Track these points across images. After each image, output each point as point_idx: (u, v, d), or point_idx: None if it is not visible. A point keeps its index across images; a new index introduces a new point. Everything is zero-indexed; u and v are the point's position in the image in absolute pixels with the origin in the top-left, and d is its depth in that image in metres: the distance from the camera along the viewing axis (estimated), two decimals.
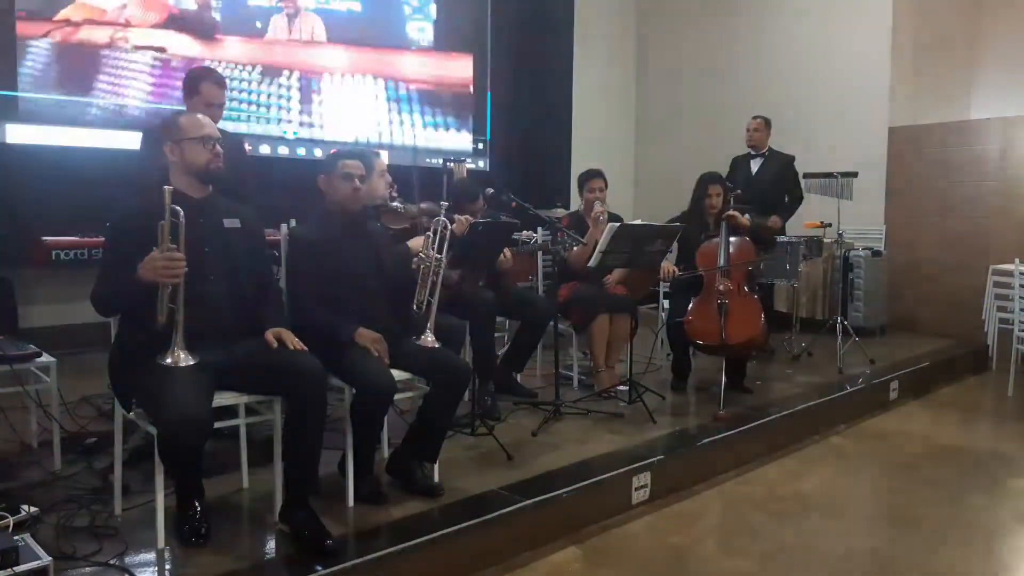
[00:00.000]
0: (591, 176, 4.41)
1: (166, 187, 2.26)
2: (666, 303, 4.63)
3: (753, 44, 7.48)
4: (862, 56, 6.73)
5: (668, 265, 4.26)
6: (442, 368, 2.76)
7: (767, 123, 5.63)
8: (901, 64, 6.68)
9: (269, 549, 2.40)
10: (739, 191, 4.62)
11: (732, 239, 4.23)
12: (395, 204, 3.44)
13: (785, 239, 5.34)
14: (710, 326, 3.98)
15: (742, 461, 3.65)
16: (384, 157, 5.97)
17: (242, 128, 5.60)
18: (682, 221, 4.35)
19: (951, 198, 6.41)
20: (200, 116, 2.57)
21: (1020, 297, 4.94)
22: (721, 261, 4.14)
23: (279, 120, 5.88)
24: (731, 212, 4.26)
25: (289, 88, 5.90)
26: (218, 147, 2.49)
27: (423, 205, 3.28)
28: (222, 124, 3.20)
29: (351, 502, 2.67)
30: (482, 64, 7.16)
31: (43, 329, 4.62)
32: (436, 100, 6.78)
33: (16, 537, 2.11)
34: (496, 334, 4.13)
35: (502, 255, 3.94)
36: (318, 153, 5.98)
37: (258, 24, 5.74)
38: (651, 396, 4.11)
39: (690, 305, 4.16)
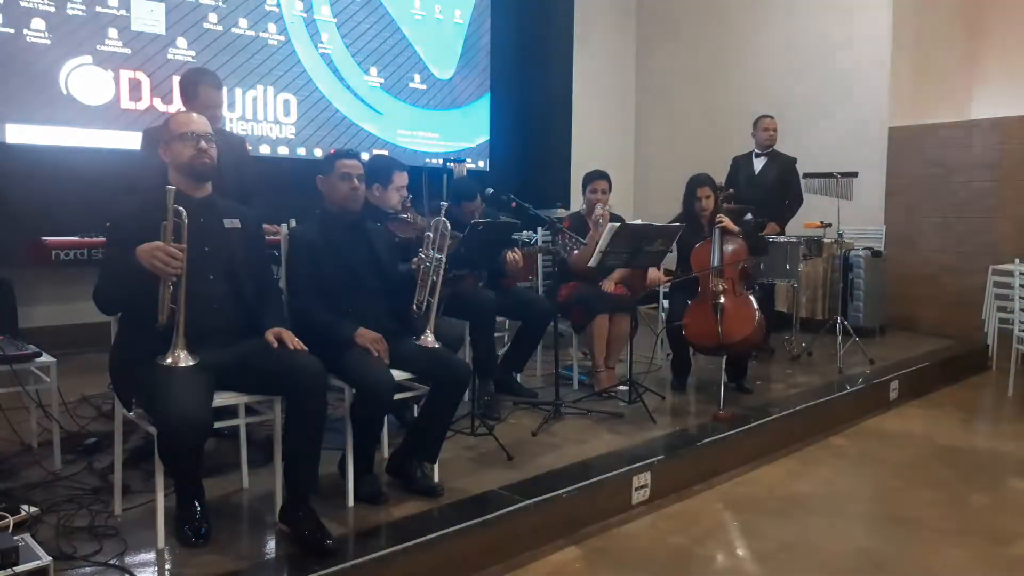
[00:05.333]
0: (595, 177, 4.41)
1: (169, 187, 2.27)
2: (666, 303, 4.64)
3: (753, 44, 7.48)
4: (862, 56, 6.73)
5: (656, 272, 4.26)
6: (442, 368, 2.76)
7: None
8: (901, 64, 6.68)
9: (269, 549, 2.40)
10: (731, 190, 4.62)
11: (726, 239, 4.24)
12: (405, 215, 3.48)
13: (785, 239, 5.35)
14: (706, 327, 4.00)
15: (742, 461, 3.65)
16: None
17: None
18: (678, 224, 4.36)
19: (951, 198, 6.41)
20: (189, 114, 2.57)
21: (1020, 297, 4.94)
22: (715, 262, 4.15)
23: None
24: (721, 220, 4.24)
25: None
26: (203, 143, 2.47)
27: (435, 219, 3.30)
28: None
29: (351, 502, 2.67)
30: (482, 65, 7.16)
31: (43, 329, 4.61)
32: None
33: (16, 537, 2.11)
34: (496, 334, 4.13)
35: (514, 256, 3.93)
36: (318, 153, 5.98)
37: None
38: (651, 396, 4.11)
39: (686, 308, 4.17)
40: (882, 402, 4.79)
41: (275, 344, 2.43)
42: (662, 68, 8.29)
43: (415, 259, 2.91)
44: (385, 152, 6.35)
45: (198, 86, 3.21)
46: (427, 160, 6.69)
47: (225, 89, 3.34)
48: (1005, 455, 4.03)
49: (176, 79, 5.19)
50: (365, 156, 4.81)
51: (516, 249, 3.99)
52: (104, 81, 5.05)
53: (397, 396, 2.72)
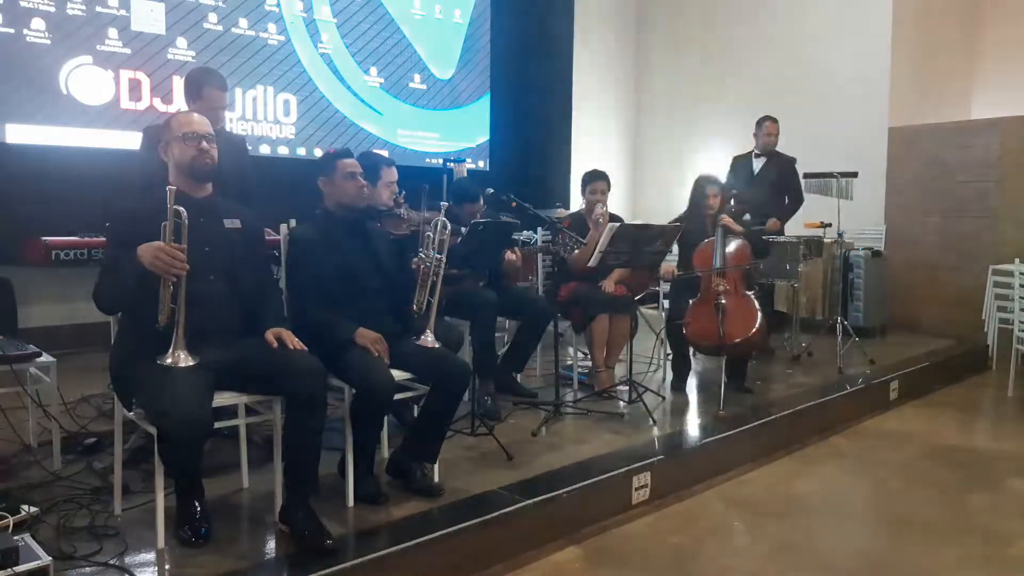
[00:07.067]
0: (594, 178, 4.41)
1: (170, 187, 2.27)
2: (666, 303, 4.64)
3: (753, 44, 7.48)
4: (862, 56, 6.73)
5: (668, 265, 4.28)
6: (442, 368, 2.76)
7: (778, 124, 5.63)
8: (901, 64, 6.68)
9: (269, 549, 2.40)
10: (735, 191, 4.62)
11: (728, 239, 4.24)
12: (398, 211, 3.47)
13: (785, 239, 5.35)
14: (708, 327, 3.99)
15: (742, 461, 3.65)
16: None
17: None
18: (680, 223, 4.35)
19: (951, 198, 6.41)
20: (191, 114, 2.57)
21: (1020, 297, 4.94)
22: (717, 262, 4.15)
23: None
24: (724, 218, 4.25)
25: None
26: (204, 143, 2.47)
27: (427, 213, 3.29)
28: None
29: (351, 502, 2.67)
30: (483, 65, 7.16)
31: (43, 329, 4.61)
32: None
33: (16, 537, 2.11)
34: (496, 334, 4.13)
35: (511, 255, 3.93)
36: (318, 153, 5.97)
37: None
38: (651, 396, 4.11)
39: (688, 307, 4.17)
40: (882, 402, 4.78)
41: (275, 344, 2.43)
42: (662, 68, 8.29)
43: (415, 259, 2.91)
44: (384, 152, 6.36)
45: (202, 87, 3.21)
46: (427, 160, 6.69)
47: (227, 91, 3.32)
48: (1005, 455, 4.03)
49: (177, 79, 5.21)
50: None
51: (515, 249, 3.99)
52: (104, 81, 5.05)
53: (397, 396, 2.72)
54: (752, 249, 4.31)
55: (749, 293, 4.21)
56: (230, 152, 3.09)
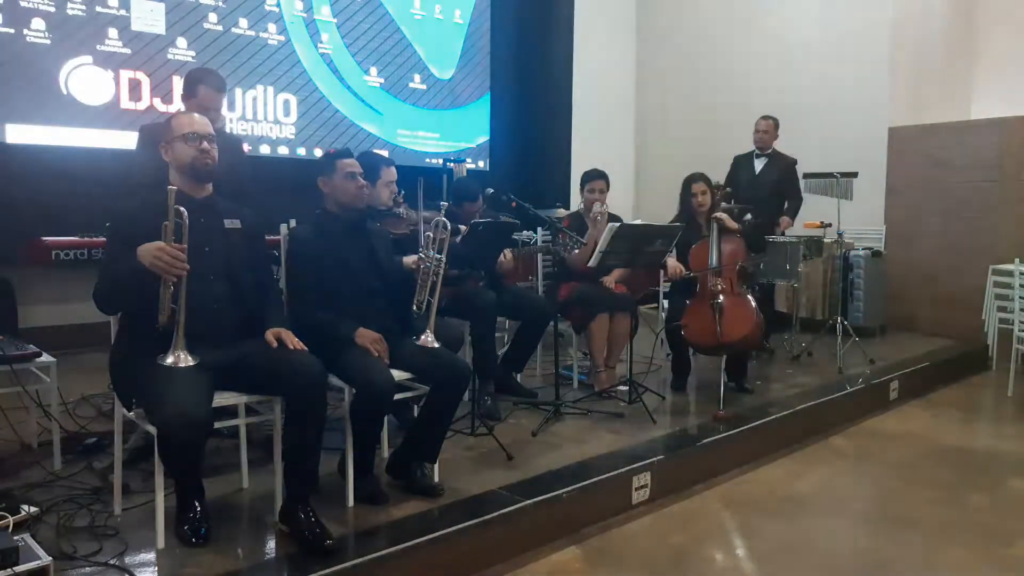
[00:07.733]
0: (592, 177, 4.42)
1: (170, 187, 2.27)
2: (666, 303, 4.64)
3: (753, 43, 7.47)
4: (862, 56, 6.73)
5: (677, 265, 4.26)
6: (442, 368, 2.76)
7: (776, 124, 5.62)
8: (901, 64, 6.68)
9: (269, 549, 2.40)
10: (728, 188, 4.63)
11: (724, 238, 4.24)
12: (399, 210, 3.48)
13: (785, 239, 5.35)
14: (705, 327, 4.00)
15: (742, 461, 3.65)
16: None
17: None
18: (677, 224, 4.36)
19: (951, 198, 6.41)
20: (191, 114, 2.58)
21: (1020, 297, 4.94)
22: (713, 261, 4.15)
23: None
24: (717, 214, 4.25)
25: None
26: (205, 144, 2.47)
27: (426, 213, 3.29)
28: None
29: (351, 502, 2.67)
30: (483, 65, 7.17)
31: (43, 329, 4.61)
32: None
33: (16, 537, 2.11)
34: (496, 334, 4.13)
35: (502, 256, 3.94)
36: (318, 153, 5.98)
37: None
38: (651, 396, 4.11)
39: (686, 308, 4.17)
40: (882, 402, 4.79)
41: (275, 344, 2.43)
42: (662, 68, 8.29)
43: (415, 259, 2.91)
44: (384, 152, 6.36)
45: (198, 85, 3.21)
46: (427, 160, 6.69)
47: (225, 93, 3.32)
48: (1005, 455, 4.03)
49: (177, 79, 5.21)
50: None
51: (506, 250, 4.00)
52: (104, 81, 5.05)
53: (397, 396, 2.72)
54: (748, 244, 4.31)
55: (744, 291, 4.22)
56: (226, 153, 3.09)
